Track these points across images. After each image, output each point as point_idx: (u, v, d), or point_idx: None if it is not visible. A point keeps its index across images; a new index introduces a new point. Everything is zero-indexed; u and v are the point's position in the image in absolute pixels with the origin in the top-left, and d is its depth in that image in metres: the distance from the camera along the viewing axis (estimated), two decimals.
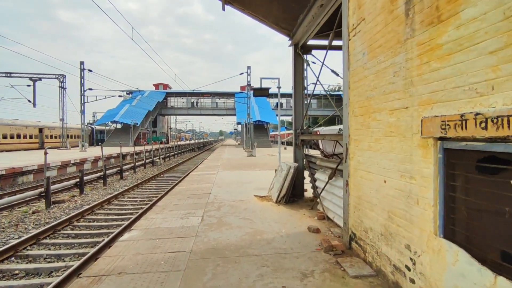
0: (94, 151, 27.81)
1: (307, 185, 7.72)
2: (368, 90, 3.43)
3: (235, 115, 53.25)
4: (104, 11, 12.04)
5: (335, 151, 6.33)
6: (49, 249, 6.35)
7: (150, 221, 5.58)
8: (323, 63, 6.39)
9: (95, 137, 46.54)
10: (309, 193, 7.64)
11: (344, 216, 4.14)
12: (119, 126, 48.75)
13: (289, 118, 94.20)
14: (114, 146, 38.85)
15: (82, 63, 27.67)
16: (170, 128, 71.90)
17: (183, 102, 58.75)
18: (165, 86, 63.24)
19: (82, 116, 28.20)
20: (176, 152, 34.14)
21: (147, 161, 23.30)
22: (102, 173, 14.31)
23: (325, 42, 7.65)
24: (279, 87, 10.91)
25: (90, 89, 27.98)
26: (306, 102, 7.98)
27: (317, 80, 6.24)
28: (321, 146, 7.52)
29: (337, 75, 7.16)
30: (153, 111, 52.48)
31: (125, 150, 28.76)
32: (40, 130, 34.53)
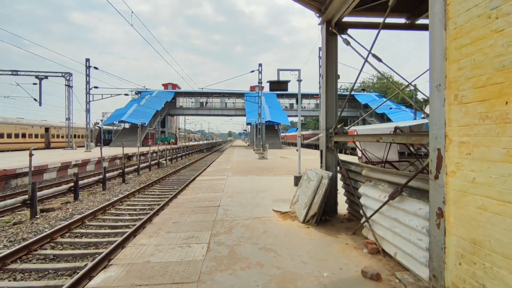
0: (99, 152, 26.76)
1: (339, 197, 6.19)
2: (504, 54, 1.90)
3: (244, 115, 51.89)
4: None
5: (387, 157, 4.79)
6: (15, 279, 4.99)
7: (138, 249, 4.14)
8: (369, 52, 4.85)
9: (103, 137, 45.80)
10: (341, 206, 6.10)
11: (433, 265, 2.60)
12: (127, 126, 47.96)
13: (297, 119, 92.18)
14: (121, 147, 37.91)
15: (87, 60, 26.70)
16: (179, 129, 71.04)
17: (192, 102, 57.82)
18: (174, 86, 62.43)
19: (88, 115, 27.22)
20: (184, 153, 32.92)
21: (153, 162, 22.08)
22: (101, 176, 13.06)
23: (365, 19, 6.13)
24: (299, 80, 9.38)
25: (96, 87, 26.99)
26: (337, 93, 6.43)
27: (366, 61, 4.67)
28: (359, 150, 5.98)
29: (380, 60, 5.62)
30: (161, 111, 51.59)
31: (131, 150, 27.68)
32: (47, 129, 33.82)
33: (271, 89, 9.30)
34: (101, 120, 46.06)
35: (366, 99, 54.66)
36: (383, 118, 47.94)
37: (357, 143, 6.07)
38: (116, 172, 15.39)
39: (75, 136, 37.99)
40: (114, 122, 45.85)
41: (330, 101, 5.85)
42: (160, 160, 23.20)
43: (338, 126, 5.69)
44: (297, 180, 9.31)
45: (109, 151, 27.43)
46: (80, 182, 12.21)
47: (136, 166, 18.06)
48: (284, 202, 7.03)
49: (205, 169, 17.77)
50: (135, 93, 53.86)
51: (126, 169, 17.46)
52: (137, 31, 15.95)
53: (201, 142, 69.41)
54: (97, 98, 27.78)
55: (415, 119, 38.52)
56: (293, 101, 59.55)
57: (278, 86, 9.22)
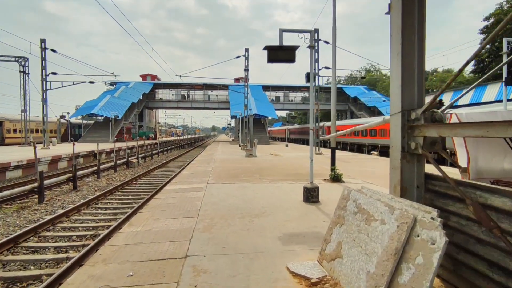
0: (62, 149, 22.85)
1: None
2: None
3: (228, 108, 48.55)
4: None
5: None
6: None
7: None
8: None
9: (72, 132, 41.35)
10: None
11: None
12: (99, 119, 43.58)
13: (283, 113, 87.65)
14: (92, 143, 33.86)
15: (43, 41, 22.53)
16: (159, 123, 66.81)
17: (172, 95, 53.89)
18: (153, 77, 58.22)
19: (44, 106, 23.13)
20: (161, 150, 29.37)
21: (120, 162, 18.60)
22: (36, 184, 9.61)
23: None
24: (311, 47, 6.37)
25: (54, 73, 22.95)
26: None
27: None
28: (462, 156, 3.04)
29: None
30: (138, 104, 47.44)
31: (103, 147, 23.86)
32: (0, 122, 29.34)
33: (269, 60, 6.25)
34: (68, 113, 41.51)
35: (355, 92, 52.49)
36: (373, 112, 45.88)
37: (457, 142, 3.13)
38: (64, 177, 11.95)
39: (37, 131, 33.57)
40: (84, 115, 41.39)
41: (409, 60, 2.87)
42: (130, 158, 19.70)
43: (435, 103, 2.71)
44: (308, 193, 6.35)
45: (74, 148, 23.55)
46: (2, 192, 8.81)
47: (95, 168, 14.58)
48: (300, 242, 4.05)
49: (180, 171, 14.54)
50: (110, 84, 49.38)
51: (85, 171, 14.03)
52: (117, 22, 12.64)
53: (182, 137, 65.59)
54: (56, 86, 23.75)
55: None
56: (280, 94, 56.70)
57: (280, 54, 6.18)
